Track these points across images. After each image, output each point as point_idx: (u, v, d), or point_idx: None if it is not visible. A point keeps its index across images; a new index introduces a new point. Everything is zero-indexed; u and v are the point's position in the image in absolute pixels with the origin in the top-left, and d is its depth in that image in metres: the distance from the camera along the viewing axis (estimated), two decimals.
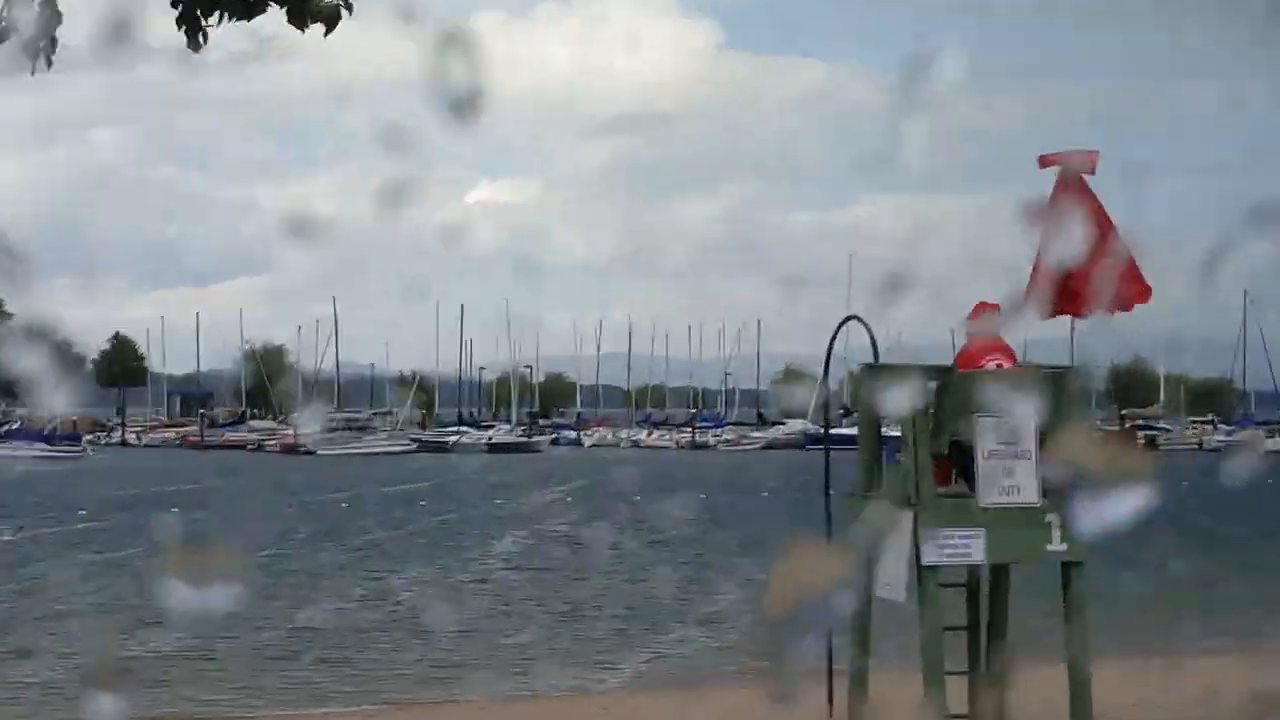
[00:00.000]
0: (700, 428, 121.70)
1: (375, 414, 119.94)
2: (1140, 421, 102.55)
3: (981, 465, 12.20)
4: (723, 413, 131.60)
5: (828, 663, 13.15)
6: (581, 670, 20.85)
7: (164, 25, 7.47)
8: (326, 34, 7.59)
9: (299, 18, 7.54)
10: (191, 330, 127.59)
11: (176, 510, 46.01)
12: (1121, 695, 12.49)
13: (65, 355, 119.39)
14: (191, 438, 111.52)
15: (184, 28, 7.50)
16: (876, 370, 13.41)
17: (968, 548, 12.20)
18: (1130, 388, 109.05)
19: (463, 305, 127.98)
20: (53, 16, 7.14)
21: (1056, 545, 12.12)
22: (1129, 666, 13.51)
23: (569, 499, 54.74)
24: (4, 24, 7.32)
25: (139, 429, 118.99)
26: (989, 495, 12.16)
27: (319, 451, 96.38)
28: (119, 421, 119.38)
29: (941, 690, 12.05)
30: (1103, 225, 12.47)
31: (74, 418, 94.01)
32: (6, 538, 39.39)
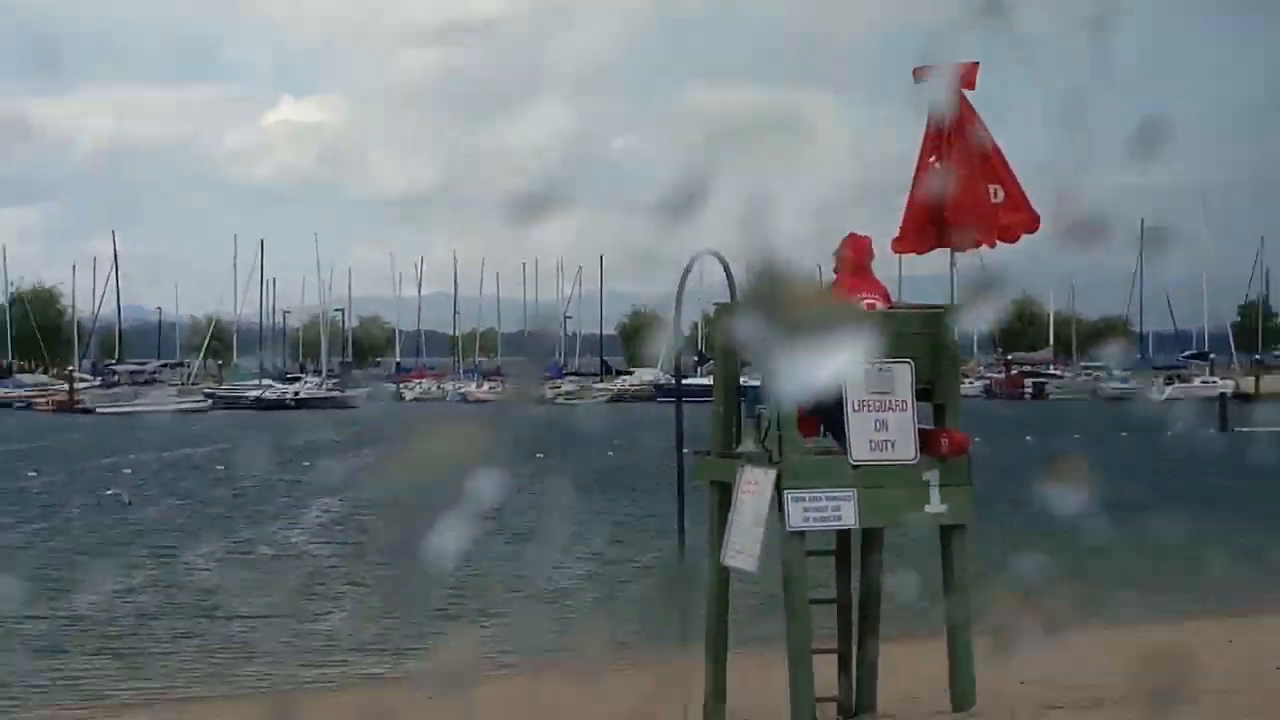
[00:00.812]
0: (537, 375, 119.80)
1: (164, 365, 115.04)
2: (1028, 368, 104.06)
3: (852, 418, 11.62)
4: (562, 362, 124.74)
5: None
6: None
7: None
8: None
9: None
10: None
11: None
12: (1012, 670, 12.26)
13: None
14: None
15: None
16: (734, 310, 12.68)
17: (837, 510, 11.65)
18: (1017, 330, 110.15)
19: (262, 241, 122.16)
20: None
21: (936, 507, 11.74)
22: None
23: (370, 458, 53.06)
24: None
25: None
26: (860, 451, 11.64)
27: (98, 409, 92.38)
28: None
29: (809, 672, 11.58)
30: (986, 149, 12.09)
31: None
32: None
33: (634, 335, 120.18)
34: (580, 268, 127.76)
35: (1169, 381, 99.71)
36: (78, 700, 17.84)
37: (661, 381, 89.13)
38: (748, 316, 12.40)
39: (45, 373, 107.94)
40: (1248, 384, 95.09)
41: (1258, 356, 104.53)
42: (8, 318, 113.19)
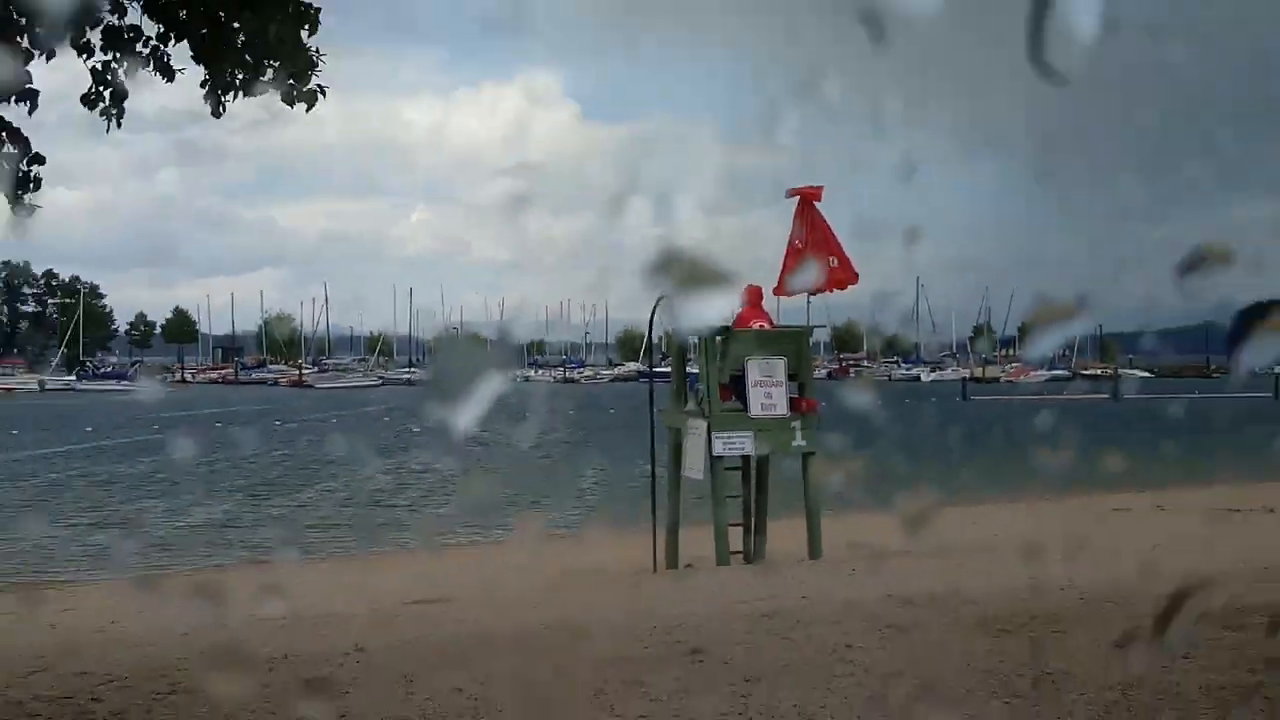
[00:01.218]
0: (569, 368, 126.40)
1: (354, 360, 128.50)
2: (851, 361, 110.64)
3: (750, 390, 13.11)
4: (584, 358, 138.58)
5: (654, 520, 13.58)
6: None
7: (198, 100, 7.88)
8: (308, 110, 7.92)
9: (289, 99, 7.85)
10: (227, 305, 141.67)
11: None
12: (846, 535, 13.08)
13: (141, 323, 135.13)
14: (229, 378, 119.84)
15: (208, 102, 7.82)
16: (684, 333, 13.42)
17: (743, 443, 13.08)
18: (845, 340, 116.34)
19: (410, 289, 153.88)
20: (120, 91, 7.68)
21: (799, 441, 13.09)
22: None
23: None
24: (92, 95, 8.19)
25: (193, 371, 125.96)
26: (755, 410, 13.10)
27: (316, 385, 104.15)
28: (180, 367, 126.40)
29: (725, 536, 13.02)
30: (826, 234, 13.33)
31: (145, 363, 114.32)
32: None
33: (625, 343, 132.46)
34: (594, 305, 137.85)
35: (933, 370, 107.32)
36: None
37: (641, 369, 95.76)
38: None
39: (285, 364, 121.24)
40: (978, 373, 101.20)
41: (984, 357, 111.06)
42: (264, 332, 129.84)
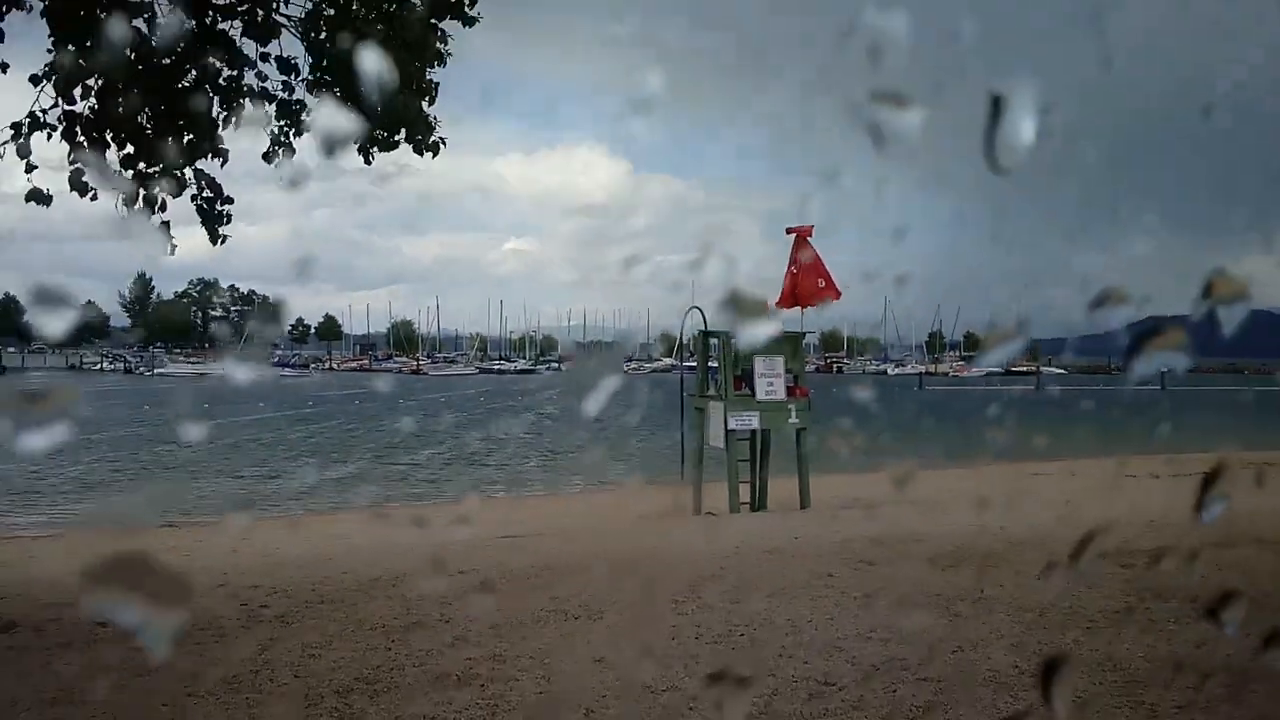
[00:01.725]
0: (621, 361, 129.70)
1: (458, 354, 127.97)
2: (834, 360, 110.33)
3: (757, 380, 13.12)
4: (633, 353, 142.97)
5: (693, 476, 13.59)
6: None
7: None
8: (434, 157, 8.00)
9: (419, 151, 7.93)
10: (364, 312, 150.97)
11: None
12: (831, 491, 13.23)
13: (300, 325, 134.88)
14: (365, 366, 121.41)
15: (361, 155, 7.89)
16: (706, 335, 13.93)
17: (751, 420, 13.09)
18: (830, 343, 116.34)
19: (501, 301, 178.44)
20: (288, 150, 7.80)
21: (794, 419, 13.11)
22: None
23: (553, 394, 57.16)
24: (268, 153, 8.29)
25: (339, 361, 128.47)
26: (760, 395, 13.11)
27: (429, 373, 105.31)
28: (329, 358, 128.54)
29: (737, 491, 13.04)
30: (816, 261, 13.22)
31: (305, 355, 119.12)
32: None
33: (664, 341, 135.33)
34: (637, 312, 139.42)
35: (897, 366, 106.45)
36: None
37: (674, 364, 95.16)
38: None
39: (406, 357, 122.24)
40: (931, 369, 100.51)
41: (935, 357, 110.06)
42: (391, 332, 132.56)
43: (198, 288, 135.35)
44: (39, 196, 6.82)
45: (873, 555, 8.16)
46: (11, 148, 6.88)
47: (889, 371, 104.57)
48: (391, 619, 6.16)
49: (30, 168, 6.88)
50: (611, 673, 5.24)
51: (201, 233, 7.71)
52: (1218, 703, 4.41)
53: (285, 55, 7.42)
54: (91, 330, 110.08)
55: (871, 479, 12.37)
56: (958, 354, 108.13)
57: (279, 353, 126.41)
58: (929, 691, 4.77)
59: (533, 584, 7.19)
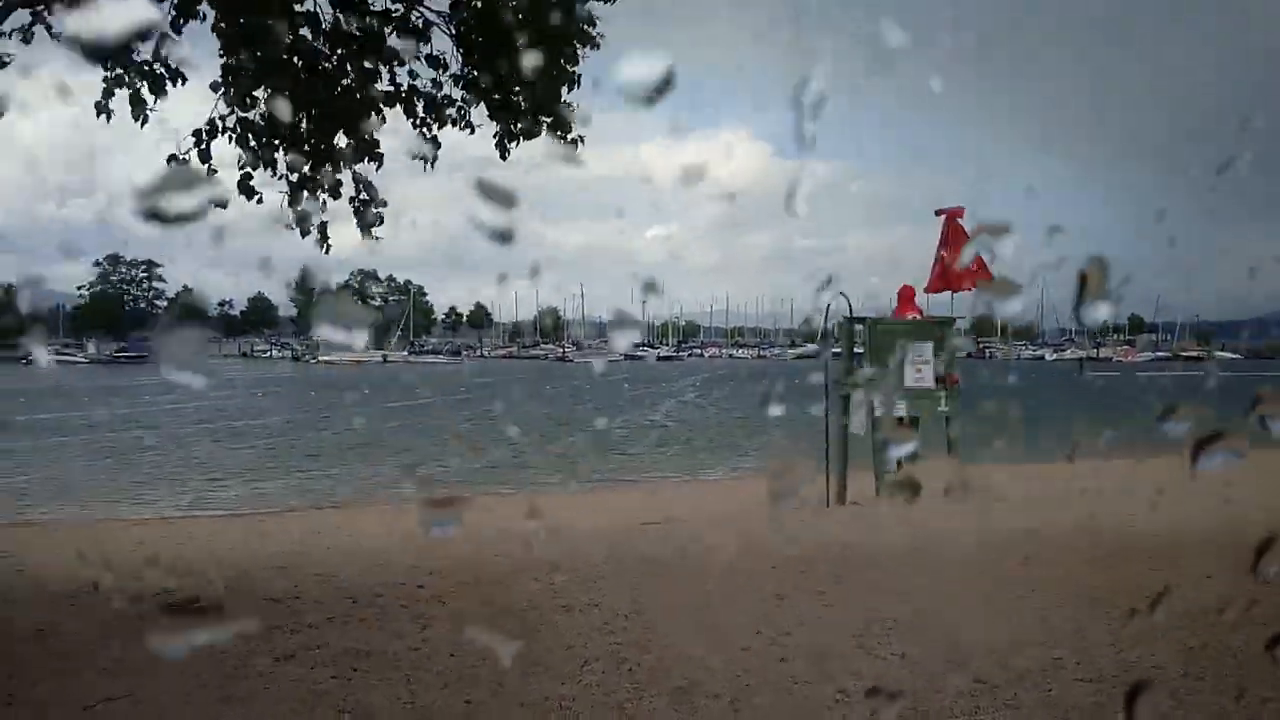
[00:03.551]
0: (762, 348, 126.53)
1: (601, 341, 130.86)
2: (986, 345, 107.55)
3: (907, 367, 12.74)
4: (774, 340, 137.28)
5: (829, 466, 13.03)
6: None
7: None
8: (576, 150, 7.73)
9: (560, 140, 7.72)
10: (513, 300, 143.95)
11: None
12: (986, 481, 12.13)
13: (453, 313, 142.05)
14: (513, 354, 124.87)
15: (498, 148, 7.92)
16: (852, 321, 13.46)
17: (900, 407, 12.40)
18: (981, 328, 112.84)
19: (643, 284, 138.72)
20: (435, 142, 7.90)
21: (943, 406, 12.71)
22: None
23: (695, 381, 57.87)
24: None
25: (490, 349, 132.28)
26: (909, 382, 12.80)
27: (573, 360, 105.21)
28: (481, 345, 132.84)
29: (882, 479, 12.10)
30: (965, 240, 13.03)
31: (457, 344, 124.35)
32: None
33: (805, 329, 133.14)
34: (783, 301, 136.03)
35: (1055, 351, 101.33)
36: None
37: (820, 350, 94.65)
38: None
39: (552, 344, 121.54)
40: (1093, 354, 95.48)
41: (1099, 341, 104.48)
42: (538, 320, 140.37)
43: (358, 279, 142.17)
44: (248, 190, 7.29)
45: (1029, 550, 7.94)
46: (194, 154, 7.34)
47: (1046, 357, 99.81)
48: (544, 601, 6.30)
49: (211, 172, 7.28)
50: (757, 660, 5.24)
51: (354, 221, 7.99)
52: None
53: (435, 52, 7.60)
54: (260, 319, 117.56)
55: (1023, 469, 12.10)
56: (1120, 337, 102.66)
57: (431, 341, 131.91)
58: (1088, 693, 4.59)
59: (675, 574, 7.21)
